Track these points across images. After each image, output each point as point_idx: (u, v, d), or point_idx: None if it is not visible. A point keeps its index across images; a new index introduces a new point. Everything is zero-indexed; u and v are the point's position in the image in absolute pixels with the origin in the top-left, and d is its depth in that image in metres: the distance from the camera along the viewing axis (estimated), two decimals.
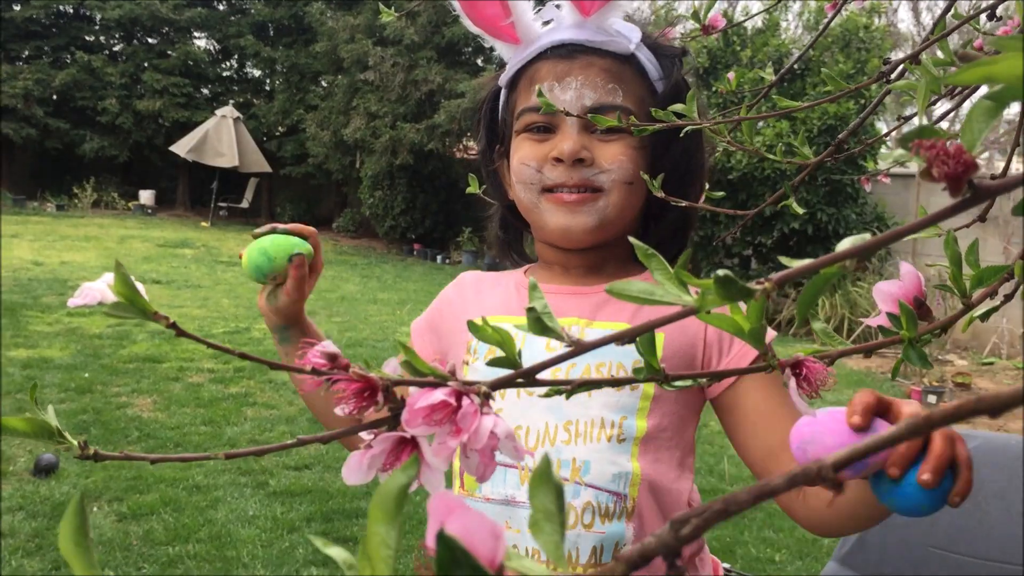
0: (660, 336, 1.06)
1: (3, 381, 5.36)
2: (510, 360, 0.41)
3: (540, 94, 1.03)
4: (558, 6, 1.11)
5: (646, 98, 1.09)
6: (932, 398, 6.16)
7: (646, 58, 1.11)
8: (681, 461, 1.07)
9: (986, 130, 0.32)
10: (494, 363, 0.42)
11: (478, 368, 1.14)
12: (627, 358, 1.04)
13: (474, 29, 1.11)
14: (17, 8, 20.06)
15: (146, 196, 19.94)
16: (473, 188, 1.32)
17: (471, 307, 1.21)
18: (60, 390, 5.29)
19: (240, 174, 19.32)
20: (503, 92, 1.19)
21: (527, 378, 0.39)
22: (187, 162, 18.93)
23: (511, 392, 1.08)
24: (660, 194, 0.95)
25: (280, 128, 20.38)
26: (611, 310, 1.09)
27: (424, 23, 14.38)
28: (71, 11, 21.28)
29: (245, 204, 19.92)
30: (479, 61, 16.07)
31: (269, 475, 4.15)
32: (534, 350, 1.07)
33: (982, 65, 0.30)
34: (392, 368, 0.41)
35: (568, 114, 1.05)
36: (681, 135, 0.99)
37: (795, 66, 9.09)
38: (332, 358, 0.40)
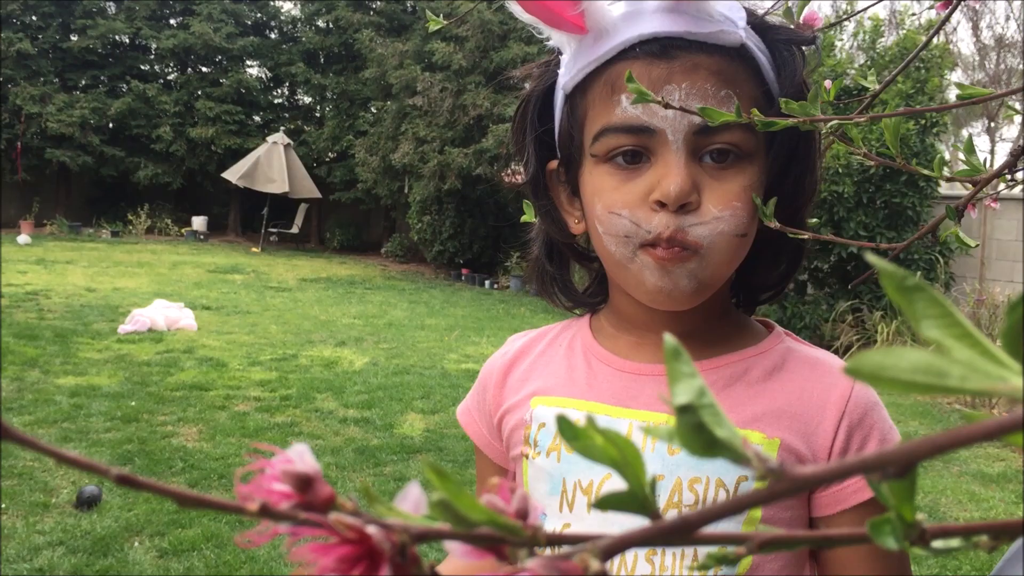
0: (775, 441, 0.84)
1: (51, 409, 5.33)
2: (639, 499, 0.25)
3: (643, 95, 0.72)
4: None
5: (762, 104, 0.82)
6: None
7: (756, 47, 0.84)
8: None
9: None
10: (604, 503, 0.26)
11: (540, 465, 0.91)
12: (728, 472, 0.83)
13: (526, 18, 0.84)
14: (74, 39, 20.54)
15: (198, 222, 20.21)
16: (528, 216, 1.10)
17: (520, 385, 0.98)
18: (107, 418, 5.22)
19: (290, 200, 19.49)
20: (563, 97, 0.89)
21: (682, 535, 0.23)
22: (239, 188, 19.14)
23: (581, 509, 0.87)
24: (775, 224, 0.78)
25: (330, 154, 20.56)
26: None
27: (472, 48, 14.35)
28: (127, 41, 21.76)
29: (295, 229, 20.08)
30: (527, 85, 16.00)
31: None
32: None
33: None
34: (412, 504, 0.25)
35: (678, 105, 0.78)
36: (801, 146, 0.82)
37: (854, 88, 8.80)
38: (303, 485, 0.23)
